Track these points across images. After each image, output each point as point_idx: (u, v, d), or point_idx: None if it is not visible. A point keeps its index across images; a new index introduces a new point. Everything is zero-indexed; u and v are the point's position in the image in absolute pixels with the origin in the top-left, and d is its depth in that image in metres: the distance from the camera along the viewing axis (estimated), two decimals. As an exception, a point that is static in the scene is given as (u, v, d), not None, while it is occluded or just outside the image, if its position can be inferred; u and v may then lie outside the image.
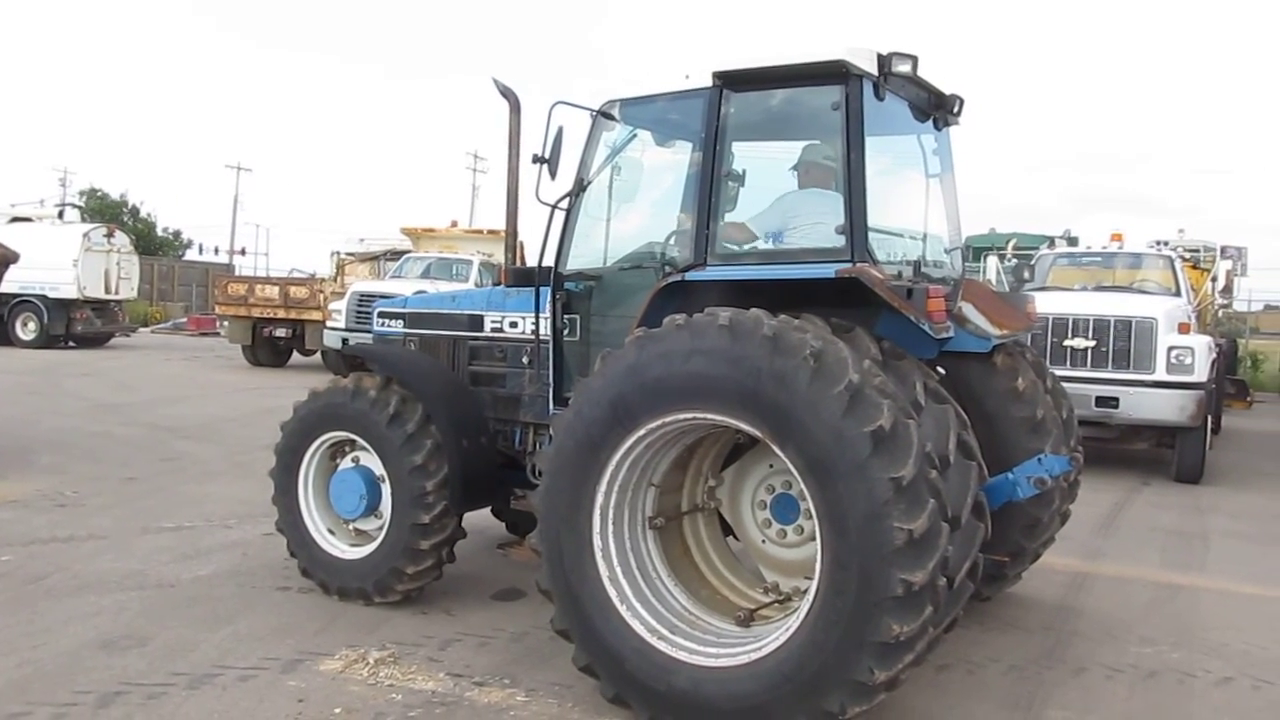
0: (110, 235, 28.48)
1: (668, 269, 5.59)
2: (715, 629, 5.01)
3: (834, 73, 5.16)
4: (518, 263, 6.74)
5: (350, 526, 6.53)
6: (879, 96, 5.29)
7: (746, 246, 5.68)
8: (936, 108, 6.03)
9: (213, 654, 5.49)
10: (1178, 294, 13.89)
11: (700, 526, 5.62)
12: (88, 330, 27.32)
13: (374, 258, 25.85)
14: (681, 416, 4.67)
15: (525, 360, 6.48)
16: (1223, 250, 21.50)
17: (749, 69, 5.39)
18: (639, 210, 6.21)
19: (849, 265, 4.93)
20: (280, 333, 23.26)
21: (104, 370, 21.49)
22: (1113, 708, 5.29)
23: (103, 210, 54.22)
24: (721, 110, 5.44)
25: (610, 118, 5.90)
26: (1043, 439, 5.89)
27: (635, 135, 6.01)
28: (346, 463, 6.52)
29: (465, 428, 6.33)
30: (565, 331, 6.10)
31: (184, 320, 39.72)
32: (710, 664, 4.61)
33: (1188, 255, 18.22)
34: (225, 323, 25.50)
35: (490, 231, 24.55)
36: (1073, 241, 19.41)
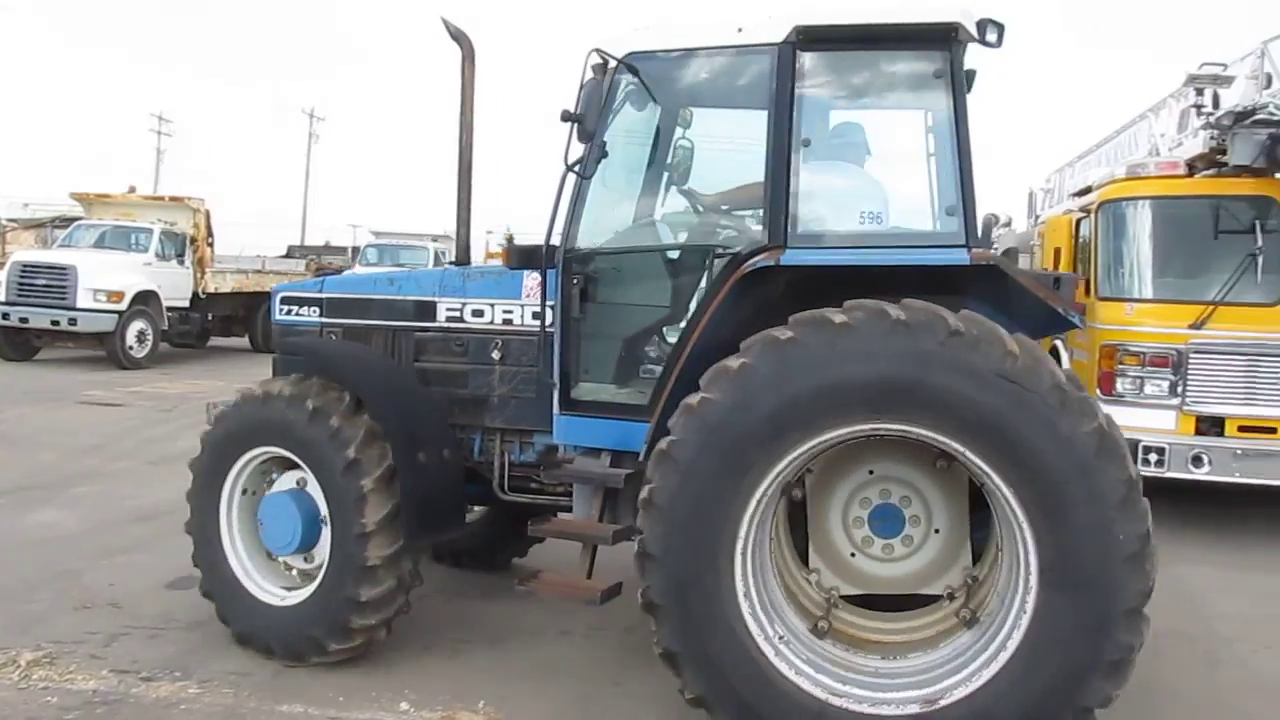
0: None
1: (719, 250, 5.05)
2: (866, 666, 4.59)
3: (942, 36, 4.61)
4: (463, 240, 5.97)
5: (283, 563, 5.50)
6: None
7: (835, 228, 4.97)
8: None
9: None
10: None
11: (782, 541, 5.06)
12: None
13: (40, 225, 24.25)
14: (859, 428, 4.18)
15: (495, 355, 5.57)
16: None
17: (837, 25, 4.74)
18: (670, 183, 5.55)
19: (978, 251, 4.50)
20: (-73, 306, 20.91)
21: None
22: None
23: None
24: (795, 70, 4.72)
25: (636, 72, 5.04)
26: None
27: (663, 93, 5.21)
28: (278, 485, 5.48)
29: (423, 439, 5.26)
30: (577, 321, 5.17)
31: None
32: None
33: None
34: None
35: (172, 198, 22.89)
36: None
